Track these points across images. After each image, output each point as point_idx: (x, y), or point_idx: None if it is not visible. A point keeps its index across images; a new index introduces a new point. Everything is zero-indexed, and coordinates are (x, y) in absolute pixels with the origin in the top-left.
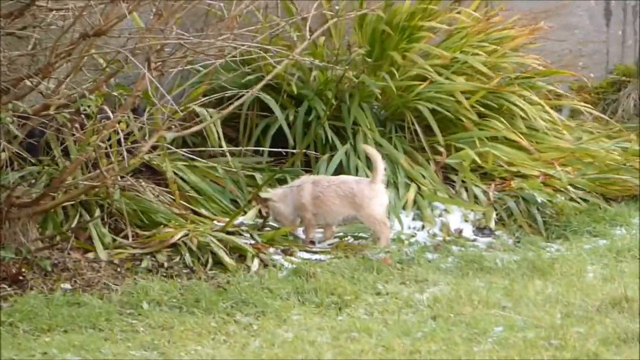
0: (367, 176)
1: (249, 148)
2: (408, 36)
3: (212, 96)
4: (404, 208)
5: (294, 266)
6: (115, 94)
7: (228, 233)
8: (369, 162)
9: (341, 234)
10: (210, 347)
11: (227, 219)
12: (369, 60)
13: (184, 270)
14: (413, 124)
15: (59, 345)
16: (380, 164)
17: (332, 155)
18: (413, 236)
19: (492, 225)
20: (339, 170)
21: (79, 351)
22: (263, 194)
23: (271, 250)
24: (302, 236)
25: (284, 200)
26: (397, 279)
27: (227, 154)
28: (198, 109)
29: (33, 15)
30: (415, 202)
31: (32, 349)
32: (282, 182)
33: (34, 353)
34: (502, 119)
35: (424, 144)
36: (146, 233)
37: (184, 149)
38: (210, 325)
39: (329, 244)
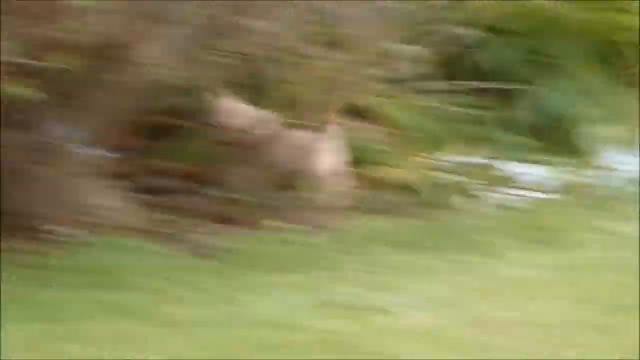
0: None
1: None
2: None
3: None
4: None
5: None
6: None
7: (449, 171)
8: None
9: None
10: (431, 285)
11: (448, 157)
12: None
13: (406, 209)
14: None
15: (282, 284)
16: None
17: None
18: None
19: None
20: None
21: (298, 290)
22: None
23: (492, 188)
24: None
25: None
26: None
27: None
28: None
29: None
30: None
31: (255, 287)
32: None
33: (257, 291)
34: None
35: None
36: (369, 172)
37: (394, 86)
38: (432, 263)
39: None
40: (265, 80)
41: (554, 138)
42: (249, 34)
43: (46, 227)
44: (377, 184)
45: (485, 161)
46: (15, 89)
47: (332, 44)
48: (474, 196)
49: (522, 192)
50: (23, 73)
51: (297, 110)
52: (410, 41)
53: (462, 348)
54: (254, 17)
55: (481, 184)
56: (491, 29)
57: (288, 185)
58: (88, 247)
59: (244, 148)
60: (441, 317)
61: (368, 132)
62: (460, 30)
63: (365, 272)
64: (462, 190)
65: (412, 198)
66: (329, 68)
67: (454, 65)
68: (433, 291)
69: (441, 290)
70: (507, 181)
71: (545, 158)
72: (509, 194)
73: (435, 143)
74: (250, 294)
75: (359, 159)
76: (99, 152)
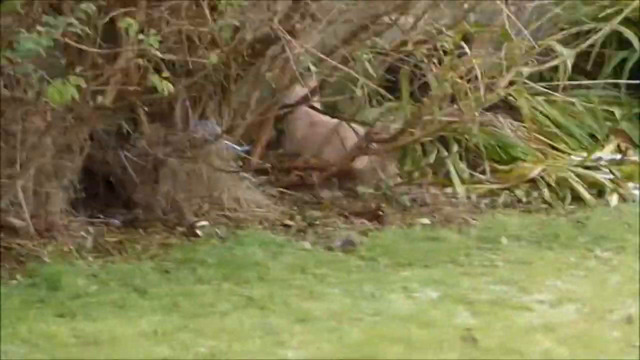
0: None
1: (608, 81)
2: None
3: (568, 30)
4: None
5: None
6: (472, 30)
7: (586, 168)
8: None
9: None
10: (569, 282)
11: (585, 154)
12: None
13: (542, 205)
14: None
15: (418, 279)
16: None
17: None
18: None
19: None
20: None
21: (438, 285)
22: None
23: (630, 185)
24: None
25: None
26: None
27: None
28: (554, 44)
29: None
30: None
31: (392, 283)
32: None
33: (394, 287)
34: None
35: None
36: (504, 168)
37: (541, 84)
38: (569, 260)
39: None
40: (417, 77)
41: None
42: (403, 30)
43: (190, 221)
44: (516, 180)
45: (626, 158)
46: (163, 85)
47: (484, 40)
48: (613, 192)
49: None
50: (171, 69)
51: (445, 106)
52: (562, 39)
53: (608, 347)
54: (407, 14)
55: (621, 180)
56: None
57: (423, 180)
58: (231, 241)
59: (381, 143)
60: (582, 315)
61: (511, 128)
62: (613, 28)
63: (502, 268)
64: (601, 187)
65: (549, 194)
66: (480, 65)
67: (603, 64)
68: (571, 288)
69: (579, 286)
70: None
71: None
72: None
73: (579, 140)
74: (389, 289)
75: (499, 154)
76: (242, 146)
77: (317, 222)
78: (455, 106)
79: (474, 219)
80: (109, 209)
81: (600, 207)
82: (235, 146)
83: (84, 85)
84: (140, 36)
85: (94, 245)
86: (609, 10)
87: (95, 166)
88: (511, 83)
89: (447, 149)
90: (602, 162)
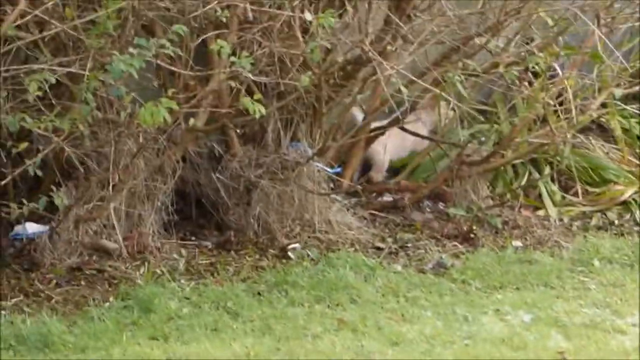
0: None
1: None
2: None
3: None
4: None
5: None
6: (562, 53)
7: None
8: None
9: None
10: None
11: None
12: None
13: (635, 228)
14: None
15: (510, 302)
16: None
17: None
18: None
19: None
20: None
21: (531, 308)
22: None
23: None
24: None
25: None
26: None
27: None
28: None
29: None
30: None
31: (484, 306)
32: None
33: (486, 310)
34: None
35: None
36: (596, 190)
37: (634, 105)
38: None
39: None
40: (507, 99)
41: None
42: (493, 53)
43: (282, 243)
44: (608, 202)
45: None
46: (255, 107)
47: (576, 62)
48: None
49: None
50: (263, 91)
51: (537, 128)
52: None
53: None
54: (498, 36)
55: None
56: None
57: (515, 202)
58: (323, 264)
59: (473, 166)
60: None
61: (603, 150)
62: None
63: (595, 291)
64: None
65: (638, 216)
66: (572, 86)
67: None
68: None
69: None
70: None
71: None
72: None
73: None
74: (481, 312)
75: (591, 176)
76: (333, 168)
77: (409, 245)
78: (546, 128)
79: (566, 242)
80: (201, 231)
81: None
82: (327, 168)
83: (176, 107)
84: (232, 58)
85: (187, 267)
86: None
87: (187, 188)
88: (603, 105)
89: (539, 171)
90: None
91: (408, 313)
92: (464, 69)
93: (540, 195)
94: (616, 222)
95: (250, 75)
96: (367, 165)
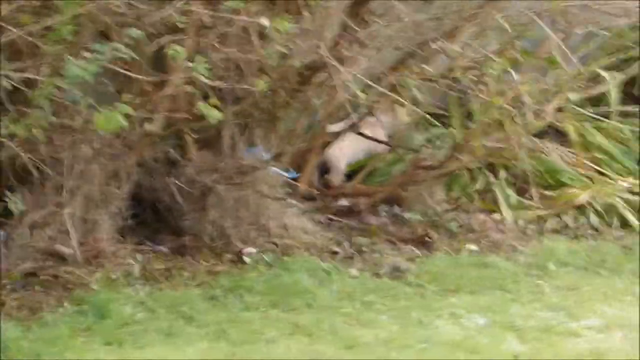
0: None
1: None
2: None
3: (615, 56)
4: None
5: None
6: (519, 57)
7: (634, 194)
8: None
9: None
10: (617, 308)
11: (633, 180)
12: None
13: (590, 231)
14: None
15: (466, 306)
16: None
17: None
18: None
19: None
20: None
21: (486, 312)
22: None
23: None
24: None
25: None
26: None
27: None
28: (600, 70)
29: None
30: None
31: (440, 310)
32: None
33: (442, 313)
34: None
35: None
36: (551, 194)
37: (588, 109)
38: (617, 285)
39: None
40: (463, 103)
41: None
42: (448, 56)
43: (238, 248)
44: (564, 206)
45: None
46: (211, 112)
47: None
48: None
49: None
50: (219, 96)
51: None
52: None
53: None
54: (452, 40)
55: None
56: None
57: (470, 206)
58: (278, 268)
59: (429, 170)
60: (630, 341)
61: (558, 154)
62: None
63: (550, 294)
64: None
65: (597, 220)
66: (528, 91)
67: None
68: (619, 314)
69: (628, 312)
70: None
71: None
72: None
73: (626, 166)
74: (437, 315)
75: (547, 180)
76: (287, 172)
77: (365, 249)
78: (503, 132)
79: (521, 245)
80: (156, 236)
81: None
82: (283, 173)
83: (132, 112)
84: (189, 63)
85: (142, 272)
86: None
87: (143, 193)
88: (559, 109)
89: (495, 175)
90: None
91: (364, 317)
92: (420, 73)
93: (496, 199)
94: (571, 225)
95: (206, 80)
96: (324, 169)
